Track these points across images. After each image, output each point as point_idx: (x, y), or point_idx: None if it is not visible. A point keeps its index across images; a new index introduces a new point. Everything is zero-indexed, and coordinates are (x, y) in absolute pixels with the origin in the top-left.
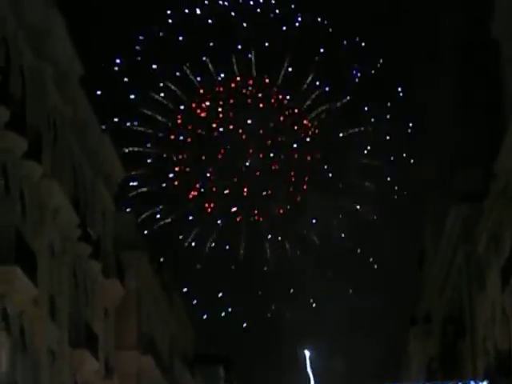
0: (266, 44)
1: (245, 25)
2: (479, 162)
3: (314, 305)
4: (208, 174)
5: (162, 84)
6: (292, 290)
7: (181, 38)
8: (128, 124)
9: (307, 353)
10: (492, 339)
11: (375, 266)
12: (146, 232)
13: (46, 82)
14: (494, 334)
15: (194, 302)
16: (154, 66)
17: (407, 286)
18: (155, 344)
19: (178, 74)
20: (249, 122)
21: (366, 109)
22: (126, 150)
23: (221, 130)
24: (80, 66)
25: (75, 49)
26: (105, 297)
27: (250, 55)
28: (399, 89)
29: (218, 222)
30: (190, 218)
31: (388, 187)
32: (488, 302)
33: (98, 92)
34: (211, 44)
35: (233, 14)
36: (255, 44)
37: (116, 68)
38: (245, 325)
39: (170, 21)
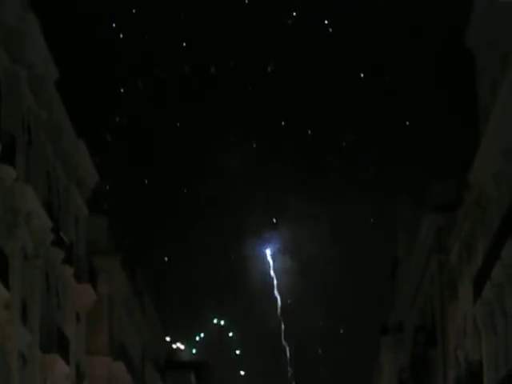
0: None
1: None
2: (453, 172)
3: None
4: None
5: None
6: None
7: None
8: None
9: None
10: (463, 350)
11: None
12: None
13: (21, 85)
14: (464, 345)
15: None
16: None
17: (380, 295)
18: (127, 349)
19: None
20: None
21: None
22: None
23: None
24: (55, 69)
25: (50, 52)
26: (77, 301)
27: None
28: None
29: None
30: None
31: (362, 195)
32: (460, 313)
33: (75, 96)
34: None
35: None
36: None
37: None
38: None
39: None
